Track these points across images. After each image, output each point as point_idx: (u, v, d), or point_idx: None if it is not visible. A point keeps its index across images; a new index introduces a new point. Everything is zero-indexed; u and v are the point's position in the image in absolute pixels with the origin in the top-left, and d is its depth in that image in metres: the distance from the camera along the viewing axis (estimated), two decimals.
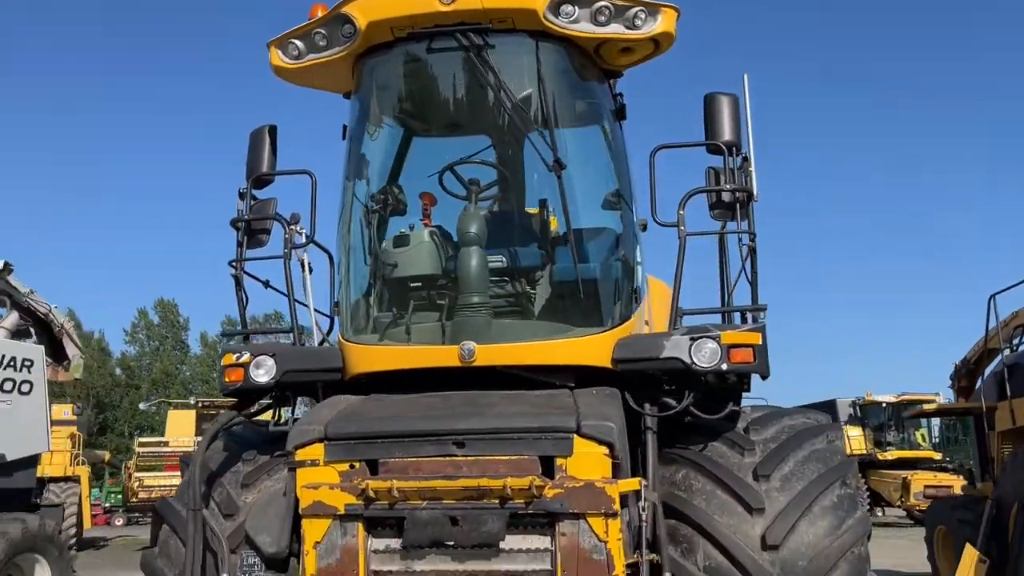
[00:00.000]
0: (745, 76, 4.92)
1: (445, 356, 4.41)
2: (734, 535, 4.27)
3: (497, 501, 3.82)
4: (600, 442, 3.86)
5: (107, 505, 34.65)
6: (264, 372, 4.70)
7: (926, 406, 18.88)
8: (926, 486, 22.75)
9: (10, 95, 72.53)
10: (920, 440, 27.41)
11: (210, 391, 45.88)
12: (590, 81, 5.01)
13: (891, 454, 25.93)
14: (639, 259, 5.14)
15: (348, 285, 5.00)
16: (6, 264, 9.50)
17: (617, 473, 3.93)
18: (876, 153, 76.13)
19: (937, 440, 28.05)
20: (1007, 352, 9.94)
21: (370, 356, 4.63)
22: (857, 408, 27.37)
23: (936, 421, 27.10)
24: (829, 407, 27.53)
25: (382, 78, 5.04)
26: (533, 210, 5.19)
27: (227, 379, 4.77)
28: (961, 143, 73.79)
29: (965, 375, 11.76)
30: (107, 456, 30.84)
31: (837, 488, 4.46)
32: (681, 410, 4.49)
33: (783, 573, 4.19)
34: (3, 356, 8.37)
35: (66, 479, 22.19)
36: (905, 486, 23.85)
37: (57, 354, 10.51)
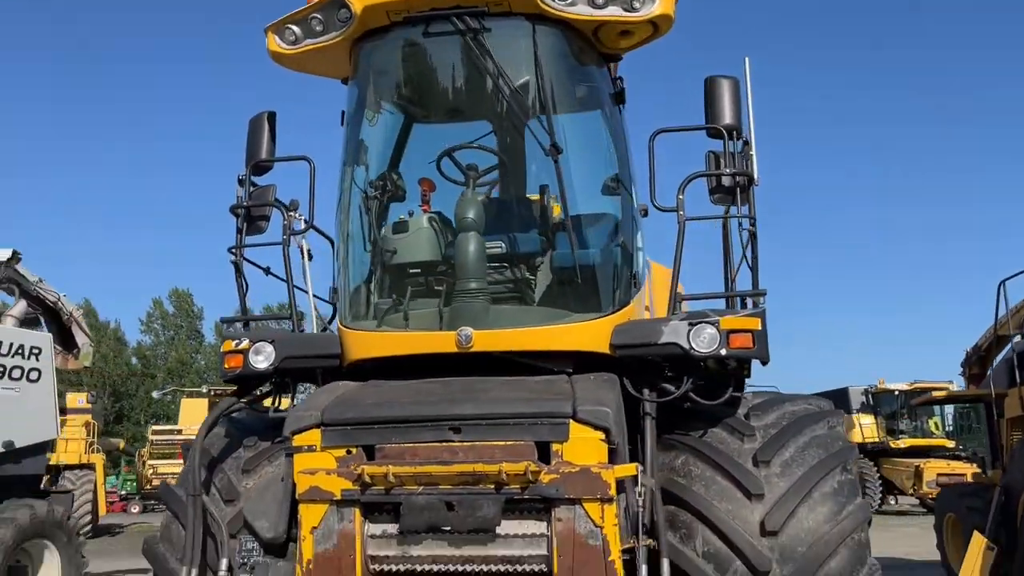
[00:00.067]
0: (746, 59, 4.88)
1: (443, 342, 4.40)
2: (733, 521, 4.26)
3: (493, 486, 3.81)
4: (596, 427, 3.85)
5: (123, 492, 35.01)
6: (263, 358, 4.70)
7: (935, 393, 18.74)
8: (939, 474, 22.46)
9: (27, 83, 73.01)
10: (933, 428, 27.26)
11: None
12: (588, 65, 4.98)
13: (904, 442, 25.79)
14: (639, 245, 5.11)
15: (346, 271, 5.00)
16: (14, 253, 9.55)
17: (613, 458, 3.92)
18: (886, 140, 75.61)
19: (951, 428, 27.88)
20: (1017, 339, 9.86)
21: (368, 342, 4.63)
22: (869, 396, 27.22)
23: (950, 409, 26.93)
24: (841, 395, 27.45)
25: (379, 63, 5.02)
26: (535, 196, 5.16)
27: (227, 365, 4.78)
28: (969, 133, 73.24)
29: (976, 362, 11.67)
30: (122, 444, 31.14)
31: (837, 474, 4.44)
32: (680, 396, 4.47)
33: (782, 559, 4.18)
34: (11, 344, 8.43)
35: (81, 467, 22.46)
36: (918, 474, 23.73)
37: (67, 342, 10.58)
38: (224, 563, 4.43)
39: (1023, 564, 7.99)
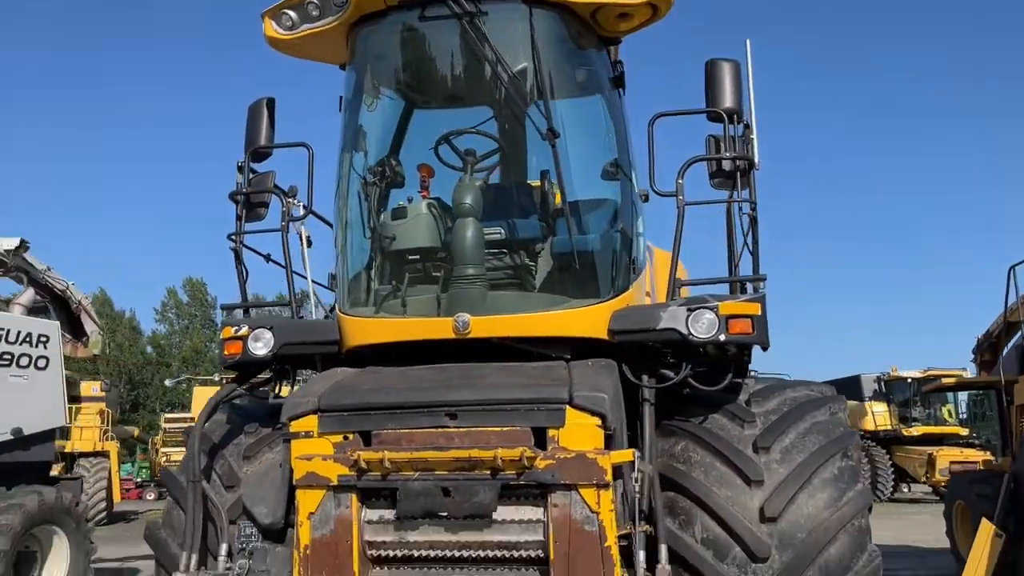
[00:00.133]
0: (748, 42, 4.83)
1: (440, 328, 4.38)
2: (732, 507, 4.24)
3: (489, 472, 3.80)
4: (592, 413, 3.82)
5: (139, 480, 35.29)
6: (262, 345, 4.71)
7: (944, 380, 18.62)
8: (952, 462, 22.45)
9: (43, 71, 73.34)
10: (947, 416, 27.08)
11: None
12: (587, 48, 4.93)
13: (917, 430, 25.65)
14: (640, 230, 5.08)
15: (344, 258, 4.98)
16: (22, 241, 9.60)
17: (610, 444, 3.90)
18: (896, 127, 75.02)
19: (965, 416, 27.70)
20: None
21: (366, 328, 4.62)
22: (882, 384, 27.06)
23: (963, 396, 26.76)
24: (853, 383, 27.32)
25: (375, 48, 4.99)
26: (535, 183, 5.13)
27: (226, 352, 4.79)
28: (979, 120, 72.56)
29: (987, 349, 11.59)
30: (137, 432, 31.37)
31: (838, 460, 4.41)
32: (679, 382, 4.44)
33: (781, 545, 4.16)
34: (19, 332, 8.48)
35: (96, 454, 22.63)
36: (930, 462, 23.61)
37: (76, 330, 10.64)
38: (224, 548, 4.46)
39: None
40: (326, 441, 4.00)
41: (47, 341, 8.76)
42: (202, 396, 31.81)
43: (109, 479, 22.24)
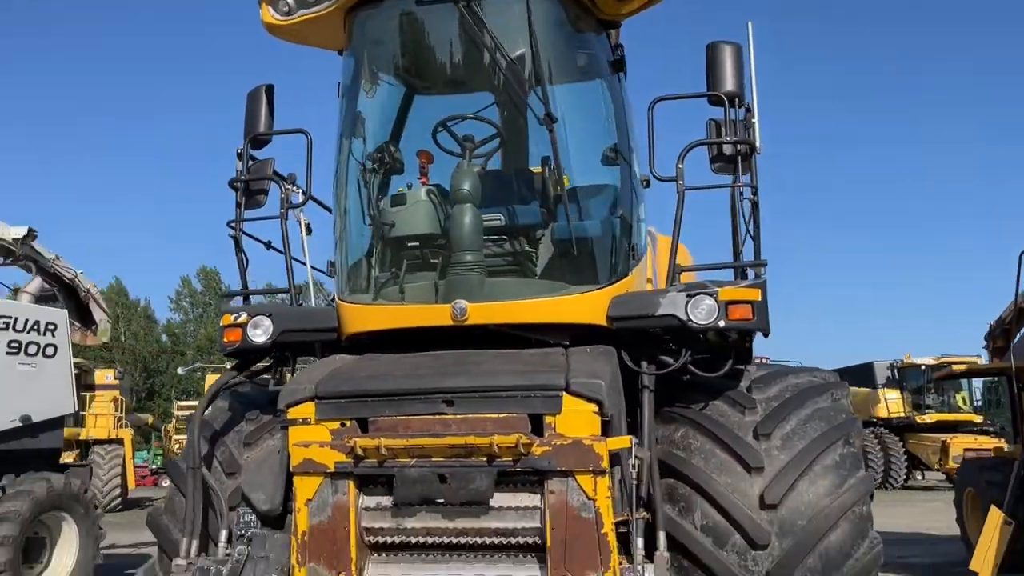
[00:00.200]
0: (749, 24, 4.77)
1: (438, 315, 4.36)
2: (732, 494, 4.21)
3: (485, 459, 3.78)
4: (589, 400, 3.80)
5: (154, 467, 35.56)
6: (261, 332, 4.70)
7: (955, 367, 18.48)
8: (965, 449, 22.35)
9: (57, 58, 73.64)
10: (961, 403, 26.91)
11: None
12: (586, 32, 4.87)
13: (930, 417, 25.52)
14: (641, 216, 5.03)
15: (343, 245, 4.97)
16: (30, 230, 9.64)
17: (608, 431, 3.87)
18: (912, 113, 74.36)
19: (979, 403, 27.51)
20: None
21: (364, 315, 4.60)
22: (895, 371, 26.89)
23: (978, 383, 26.57)
24: (867, 370, 27.19)
25: (373, 32, 4.94)
26: (537, 169, 5.09)
27: (225, 339, 4.79)
28: (993, 106, 71.81)
29: (1000, 335, 11.47)
30: (151, 419, 31.58)
31: (839, 447, 4.37)
32: (678, 368, 4.40)
33: (781, 532, 4.13)
34: (26, 320, 8.53)
35: (110, 441, 22.83)
36: (944, 449, 23.50)
37: (85, 319, 10.70)
38: (224, 534, 4.47)
39: None
40: (323, 428, 3.99)
41: (55, 329, 8.81)
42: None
43: (123, 466, 22.45)
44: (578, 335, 4.44)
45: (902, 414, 25.84)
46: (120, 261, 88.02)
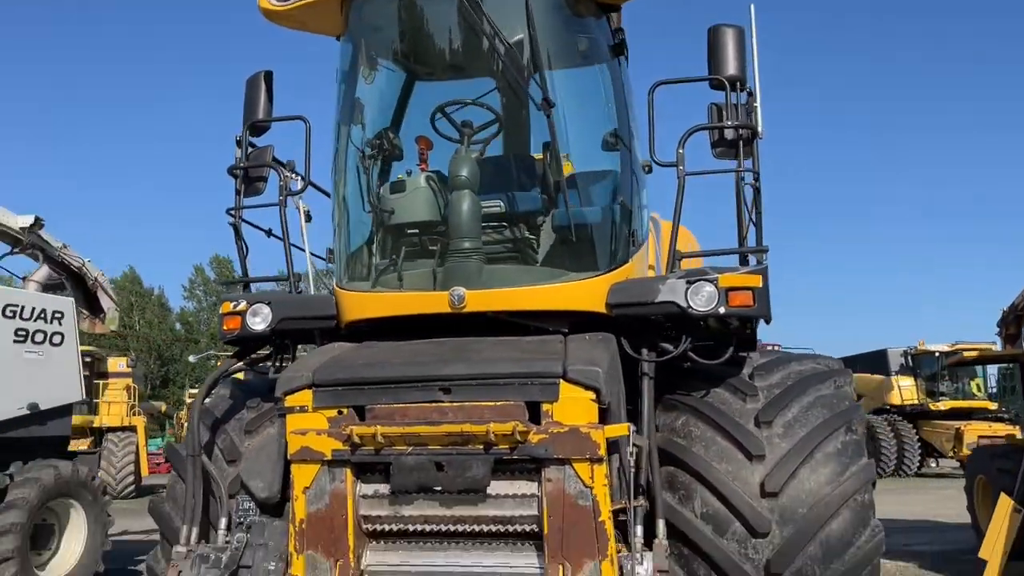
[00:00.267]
0: (752, 7, 4.70)
1: (436, 302, 4.33)
2: (732, 482, 4.18)
3: (481, 447, 3.76)
4: (586, 387, 3.76)
5: None
6: (260, 320, 4.69)
7: (966, 354, 18.33)
8: (980, 436, 22.18)
9: (69, 47, 73.88)
10: (975, 390, 26.67)
11: None
12: (585, 16, 4.81)
13: (944, 404, 25.32)
14: (643, 201, 4.98)
15: (342, 232, 4.94)
16: (37, 219, 9.67)
17: (606, 418, 3.85)
18: (927, 98, 73.67)
19: (994, 390, 27.28)
20: None
21: (362, 303, 4.58)
22: (909, 358, 26.69)
23: (993, 370, 26.33)
24: (880, 356, 27.01)
25: (370, 17, 4.90)
26: (539, 156, 5.04)
27: (225, 327, 4.78)
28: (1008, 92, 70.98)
29: (1013, 322, 11.37)
30: (164, 407, 31.79)
31: (841, 434, 4.33)
32: (679, 355, 4.36)
33: (782, 520, 4.10)
34: (33, 308, 8.57)
35: (123, 429, 23.00)
36: (958, 436, 23.28)
37: (93, 307, 10.74)
38: (223, 522, 4.47)
39: None
40: (320, 416, 3.98)
41: (62, 317, 8.84)
42: None
43: (136, 453, 22.61)
44: (578, 322, 4.40)
45: (916, 401, 25.63)
46: (134, 250, 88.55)
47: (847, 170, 76.60)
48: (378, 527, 3.96)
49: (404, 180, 4.76)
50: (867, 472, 4.25)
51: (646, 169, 5.04)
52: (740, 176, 4.54)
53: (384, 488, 3.92)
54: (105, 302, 10.63)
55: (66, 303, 9.08)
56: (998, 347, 20.82)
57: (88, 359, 22.11)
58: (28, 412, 8.41)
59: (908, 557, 11.02)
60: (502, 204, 4.74)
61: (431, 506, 3.89)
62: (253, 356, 5.07)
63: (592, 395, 3.77)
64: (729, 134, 4.53)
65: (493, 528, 3.87)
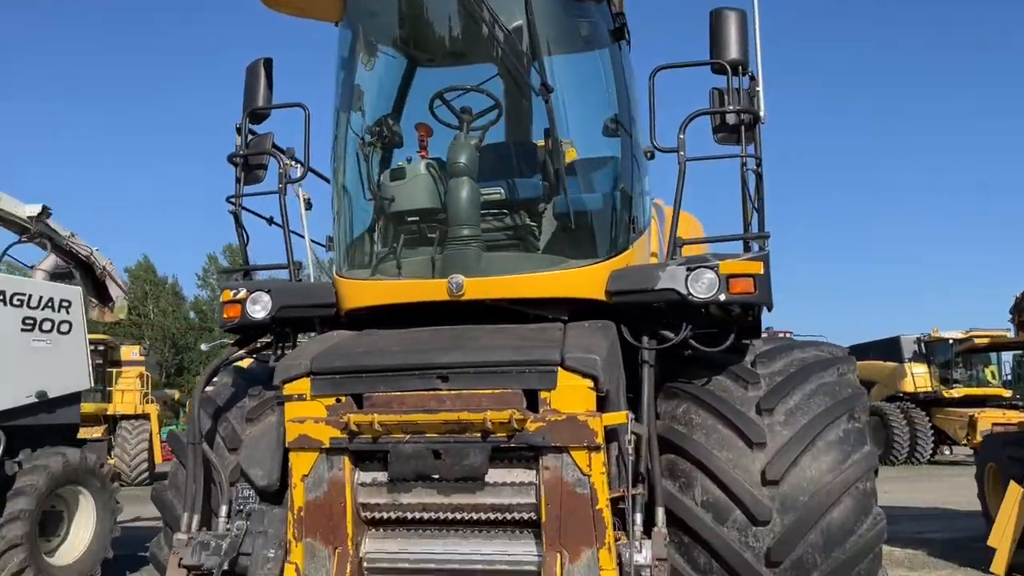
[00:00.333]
0: None
1: (434, 290, 4.31)
2: (733, 470, 4.16)
3: (479, 435, 3.75)
4: (584, 375, 3.73)
5: None
6: (260, 308, 4.69)
7: (977, 340, 18.20)
8: (993, 424, 22.03)
9: (80, 37, 74.11)
10: (989, 377, 26.52)
11: None
12: (586, 1, 4.75)
13: (958, 391, 25.18)
14: (644, 188, 4.94)
15: (341, 219, 4.92)
16: (44, 208, 9.71)
17: (604, 406, 3.82)
18: (940, 84, 72.96)
19: (1009, 377, 27.09)
20: None
21: (361, 291, 4.56)
22: (922, 345, 26.55)
23: (1007, 357, 26.14)
24: (893, 344, 26.87)
25: (368, 3, 4.85)
26: (540, 142, 5.00)
27: (225, 315, 4.78)
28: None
29: None
30: (177, 395, 31.96)
31: (843, 422, 4.29)
32: (679, 343, 4.33)
33: (783, 508, 4.07)
34: (41, 297, 8.60)
35: (137, 417, 23.18)
36: (971, 424, 23.15)
37: (101, 295, 10.80)
38: (224, 509, 4.48)
39: None
40: (319, 404, 3.97)
41: (69, 306, 8.87)
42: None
43: (150, 441, 22.79)
44: (577, 310, 4.37)
45: (929, 388, 25.52)
46: (148, 239, 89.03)
47: (864, 154, 75.98)
48: (376, 515, 3.96)
49: (404, 167, 4.73)
50: (869, 460, 4.21)
51: (648, 155, 4.99)
52: (743, 162, 4.49)
53: (382, 476, 3.92)
54: (114, 290, 10.68)
55: (74, 292, 9.11)
56: (1012, 334, 20.69)
57: (101, 347, 22.31)
58: (37, 400, 8.46)
59: (918, 544, 10.97)
60: (502, 191, 4.71)
61: (429, 494, 3.88)
62: (254, 344, 5.06)
63: (590, 383, 3.74)
64: (731, 119, 4.48)
65: (491, 516, 3.86)
